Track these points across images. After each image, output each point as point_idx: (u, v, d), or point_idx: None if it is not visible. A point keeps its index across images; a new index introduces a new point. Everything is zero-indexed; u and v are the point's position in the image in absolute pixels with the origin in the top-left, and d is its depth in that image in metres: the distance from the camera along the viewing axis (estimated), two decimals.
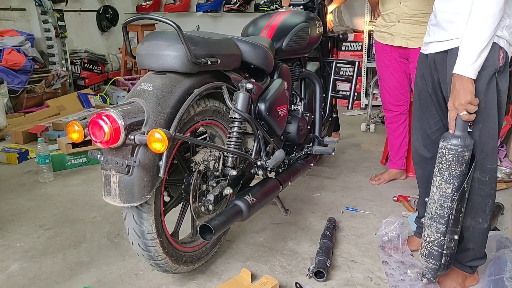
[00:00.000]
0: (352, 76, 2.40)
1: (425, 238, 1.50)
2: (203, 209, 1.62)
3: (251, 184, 1.82)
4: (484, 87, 1.36)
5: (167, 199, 1.69)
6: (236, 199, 1.59)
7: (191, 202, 1.55)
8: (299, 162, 2.16)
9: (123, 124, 1.24)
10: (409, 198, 2.34)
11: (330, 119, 2.72)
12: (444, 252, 1.45)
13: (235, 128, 1.64)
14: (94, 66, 5.15)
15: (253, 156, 1.73)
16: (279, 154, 1.71)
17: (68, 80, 4.80)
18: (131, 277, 1.73)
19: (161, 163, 1.32)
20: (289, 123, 2.09)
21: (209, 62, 1.45)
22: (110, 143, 1.23)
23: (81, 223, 2.18)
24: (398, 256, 1.79)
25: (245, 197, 1.59)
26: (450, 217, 1.42)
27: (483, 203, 1.49)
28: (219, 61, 1.51)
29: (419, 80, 1.68)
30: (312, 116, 2.31)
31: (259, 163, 1.76)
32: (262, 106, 1.76)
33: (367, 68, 4.60)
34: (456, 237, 1.45)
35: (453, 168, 1.38)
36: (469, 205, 1.49)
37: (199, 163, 1.56)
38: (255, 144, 1.76)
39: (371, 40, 4.54)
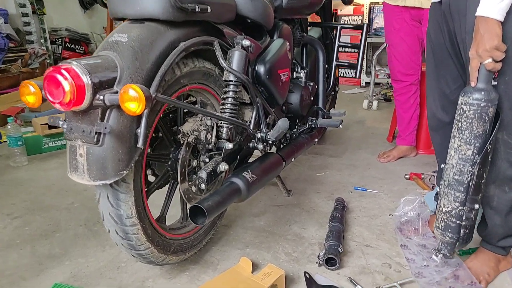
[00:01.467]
0: (360, 41, 2.14)
1: (440, 209, 1.32)
2: (194, 189, 1.37)
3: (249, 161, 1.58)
4: None
5: (151, 178, 1.45)
6: (233, 176, 1.34)
7: (179, 181, 1.30)
8: (303, 136, 1.91)
9: (89, 80, 0.98)
10: (422, 176, 2.12)
11: (333, 93, 2.47)
12: (463, 223, 1.28)
13: (230, 93, 1.38)
14: (77, 46, 4.83)
15: (251, 126, 1.47)
16: (283, 123, 1.45)
17: (48, 60, 4.48)
18: (111, 270, 1.49)
19: (140, 130, 1.06)
20: (291, 92, 1.84)
21: (197, 9, 1.19)
22: (72, 104, 0.97)
23: (55, 210, 1.92)
24: (418, 239, 1.57)
25: (243, 174, 1.34)
26: (470, 184, 1.24)
27: (510, 170, 1.27)
28: (209, 9, 1.24)
29: (432, 33, 1.47)
30: (316, 86, 2.06)
31: (258, 135, 1.51)
32: (261, 69, 1.50)
33: (368, 43, 4.35)
34: (477, 206, 1.26)
35: (474, 127, 1.19)
36: (493, 172, 1.29)
37: (187, 133, 1.30)
38: (254, 114, 1.51)
39: (371, 14, 4.28)
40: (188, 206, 1.35)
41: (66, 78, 0.95)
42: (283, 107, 1.79)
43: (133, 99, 0.95)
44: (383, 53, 3.79)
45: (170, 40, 1.18)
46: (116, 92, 1.01)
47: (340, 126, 1.91)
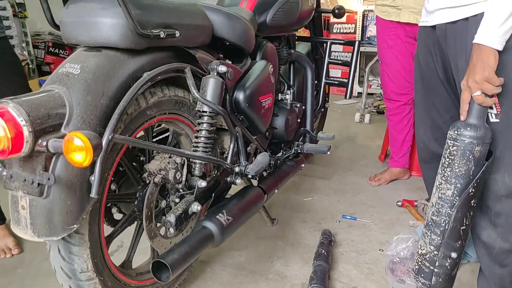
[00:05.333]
0: (351, 59, 2.01)
1: (418, 250, 1.24)
2: (163, 231, 1.23)
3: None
4: None
5: (118, 216, 1.30)
6: (206, 219, 1.20)
7: (144, 224, 1.16)
8: (288, 163, 1.78)
9: (28, 125, 0.83)
10: (415, 203, 1.99)
11: (322, 109, 2.33)
12: (436, 270, 1.18)
13: (204, 125, 1.24)
14: (61, 50, 4.65)
15: (229, 161, 1.34)
16: (263, 158, 1.32)
17: (31, 66, 4.31)
18: None
19: (93, 178, 0.92)
20: (275, 116, 1.70)
21: (162, 35, 1.05)
22: (8, 152, 0.83)
23: (20, 240, 1.76)
24: (413, 282, 1.43)
25: (217, 217, 1.20)
26: (446, 227, 1.14)
27: None
28: (178, 34, 1.10)
29: (421, 58, 1.37)
30: (303, 107, 1.92)
31: (237, 169, 1.37)
32: (240, 96, 1.36)
33: (361, 53, 4.22)
34: (453, 255, 1.16)
35: (456, 165, 1.10)
36: (500, 221, 1.15)
37: (154, 173, 1.16)
38: (232, 146, 1.36)
39: (365, 22, 4.16)
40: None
41: None
42: (267, 133, 1.66)
43: (78, 149, 0.81)
44: (376, 64, 3.68)
45: (132, 70, 1.04)
46: (63, 137, 0.87)
47: (328, 152, 1.78)
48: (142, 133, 1.25)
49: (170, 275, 1.01)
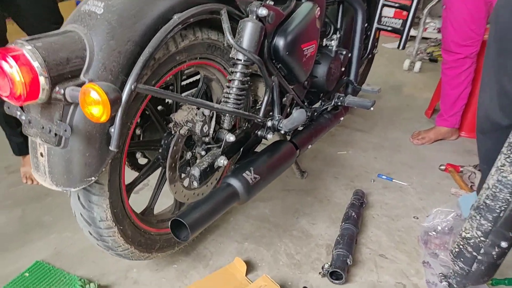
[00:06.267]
0: (412, 3, 1.76)
1: (461, 232, 1.13)
2: (186, 183, 1.19)
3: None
4: None
5: (143, 160, 1.27)
6: (231, 176, 1.14)
7: (168, 175, 1.11)
8: (325, 116, 1.65)
9: (45, 70, 0.76)
10: (461, 169, 1.84)
11: (369, 56, 2.13)
12: (479, 257, 1.09)
13: (238, 75, 1.13)
14: None
15: (261, 114, 1.23)
16: (299, 116, 1.21)
17: None
18: (95, 253, 1.37)
19: (113, 130, 0.85)
20: (317, 63, 1.55)
21: None
22: (24, 99, 0.76)
23: None
24: (446, 257, 1.35)
25: (243, 175, 1.13)
26: (501, 214, 1.03)
27: None
28: None
29: (502, 13, 1.14)
30: (349, 55, 1.74)
31: (269, 123, 1.28)
32: (280, 42, 1.22)
33: None
34: (504, 244, 1.05)
35: None
36: None
37: (180, 124, 1.09)
38: (266, 98, 1.25)
39: None
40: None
41: (11, 66, 0.74)
42: (305, 82, 1.52)
43: (95, 102, 0.73)
44: (438, 5, 3.31)
45: (161, 11, 0.92)
46: (82, 85, 0.79)
47: (372, 108, 1.63)
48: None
49: (189, 235, 0.98)
